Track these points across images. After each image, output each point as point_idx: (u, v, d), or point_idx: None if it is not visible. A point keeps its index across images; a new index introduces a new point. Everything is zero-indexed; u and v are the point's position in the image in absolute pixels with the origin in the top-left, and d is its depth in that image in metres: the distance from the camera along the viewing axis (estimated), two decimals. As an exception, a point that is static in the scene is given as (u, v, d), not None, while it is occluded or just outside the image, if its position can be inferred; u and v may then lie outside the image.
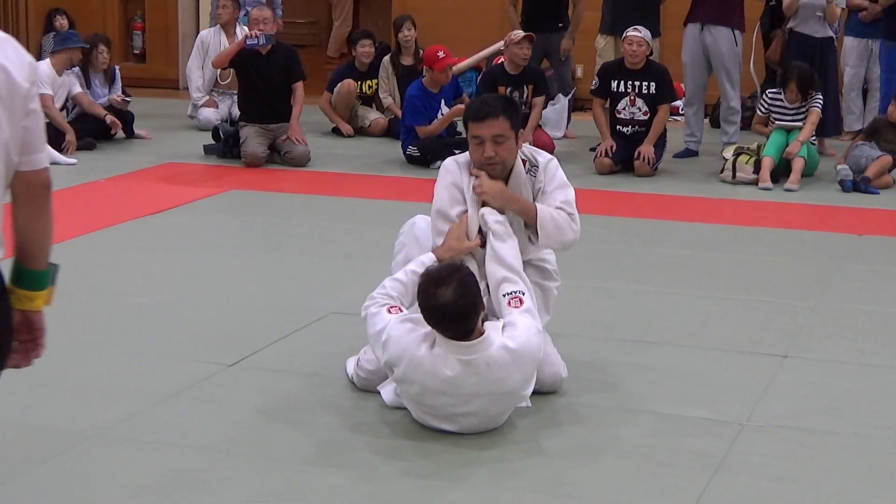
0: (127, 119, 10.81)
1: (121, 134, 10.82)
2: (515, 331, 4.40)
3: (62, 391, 4.86)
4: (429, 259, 4.75)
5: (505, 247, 4.70)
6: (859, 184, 9.15)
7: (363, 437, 4.45)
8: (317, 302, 6.07)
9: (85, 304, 6.04)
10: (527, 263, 4.91)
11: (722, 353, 5.46)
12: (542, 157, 5.00)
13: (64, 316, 5.82)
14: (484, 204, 4.81)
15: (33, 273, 2.91)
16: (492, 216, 4.77)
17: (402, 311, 4.56)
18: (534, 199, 4.90)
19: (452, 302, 4.23)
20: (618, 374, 5.14)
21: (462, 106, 10.10)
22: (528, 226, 4.88)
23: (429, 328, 4.37)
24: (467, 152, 4.92)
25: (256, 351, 5.34)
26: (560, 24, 11.13)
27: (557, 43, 11.12)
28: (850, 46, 10.92)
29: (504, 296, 4.60)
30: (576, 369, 5.03)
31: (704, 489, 4.05)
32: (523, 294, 4.59)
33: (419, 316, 4.39)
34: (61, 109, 10.46)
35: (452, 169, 4.93)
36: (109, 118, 10.34)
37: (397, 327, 4.43)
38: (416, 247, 4.96)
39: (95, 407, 4.68)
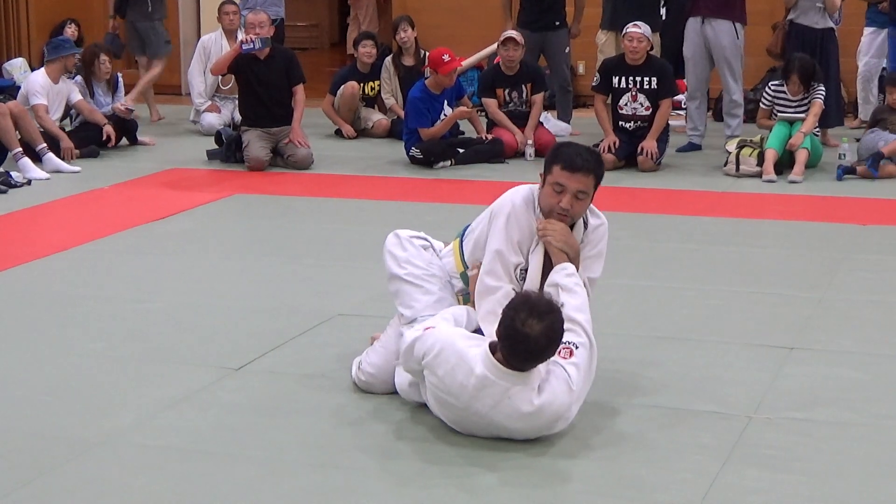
0: (130, 127, 10.82)
1: (124, 141, 10.83)
2: (548, 385, 4.32)
3: (69, 398, 4.86)
4: (461, 312, 4.66)
5: (571, 299, 4.54)
6: (855, 167, 9.18)
7: (371, 440, 4.45)
8: (322, 304, 6.08)
9: (91, 310, 6.06)
10: None
11: (728, 346, 5.46)
12: (596, 218, 4.84)
13: (71, 323, 5.86)
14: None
15: None
16: (563, 271, 4.62)
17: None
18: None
19: (536, 338, 4.17)
20: (624, 369, 5.14)
21: (465, 108, 10.11)
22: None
23: (481, 338, 4.35)
24: (530, 186, 4.79)
25: (263, 354, 5.34)
26: (557, 23, 11.12)
27: (555, 41, 11.10)
28: (869, 37, 10.87)
29: (562, 344, 4.44)
30: (582, 365, 5.03)
31: (713, 482, 4.05)
32: (576, 348, 4.45)
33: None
34: (63, 117, 10.49)
35: (520, 210, 4.71)
36: (106, 130, 10.29)
37: (446, 328, 4.43)
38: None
39: (103, 413, 4.69)
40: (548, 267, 4.67)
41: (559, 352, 4.39)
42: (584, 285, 4.65)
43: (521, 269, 4.69)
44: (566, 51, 11.26)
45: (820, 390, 4.92)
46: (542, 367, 4.32)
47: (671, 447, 4.35)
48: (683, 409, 4.70)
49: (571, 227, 4.71)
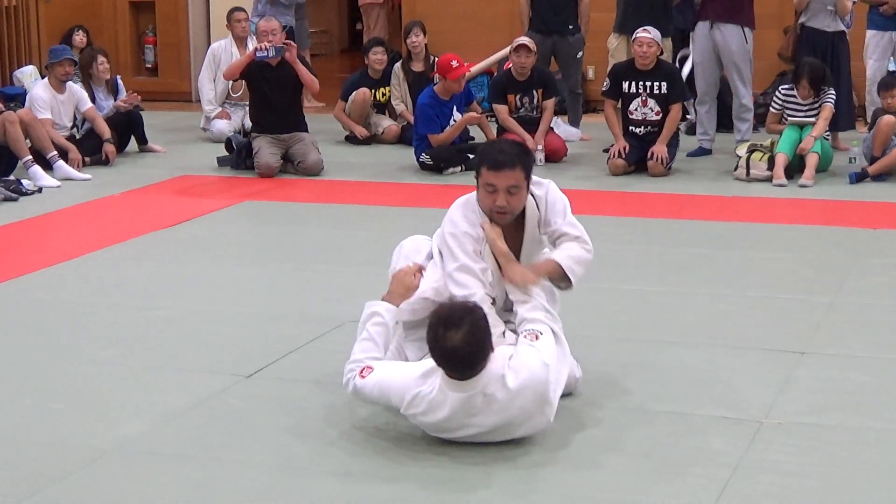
0: (136, 123, 10.81)
1: (133, 146, 10.85)
2: (519, 363, 4.35)
3: (81, 406, 4.87)
4: (384, 313, 4.69)
5: (525, 310, 4.67)
6: (866, 171, 9.20)
7: (382, 445, 4.45)
8: (333, 310, 6.08)
9: (102, 317, 6.06)
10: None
11: (739, 351, 5.46)
12: (539, 188, 4.89)
13: (82, 330, 5.87)
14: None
15: None
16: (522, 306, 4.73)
17: (373, 368, 4.52)
18: (538, 227, 4.88)
19: (460, 347, 4.18)
20: (635, 374, 5.13)
21: (475, 114, 10.11)
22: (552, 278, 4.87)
23: (428, 366, 4.36)
24: (467, 195, 4.92)
25: (274, 361, 5.35)
26: (570, 27, 11.12)
27: (567, 46, 11.10)
28: (873, 40, 10.86)
29: (524, 332, 4.57)
30: (592, 370, 5.03)
31: (724, 488, 4.05)
32: (541, 333, 4.52)
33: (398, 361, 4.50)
34: (72, 127, 10.49)
35: (463, 224, 4.83)
36: (105, 149, 10.26)
37: (389, 376, 4.45)
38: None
39: (115, 421, 4.69)
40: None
41: (523, 335, 4.51)
42: (577, 240, 4.85)
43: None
44: (578, 56, 11.25)
45: (831, 395, 4.91)
46: (504, 350, 4.38)
47: (682, 452, 4.35)
48: (695, 414, 4.70)
49: (523, 220, 4.83)
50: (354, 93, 11.36)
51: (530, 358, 4.40)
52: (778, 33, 11.76)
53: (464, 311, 4.27)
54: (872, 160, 9.35)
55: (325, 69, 14.81)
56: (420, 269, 4.84)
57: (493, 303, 4.81)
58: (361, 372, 4.52)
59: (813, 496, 4.00)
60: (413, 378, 4.37)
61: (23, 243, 7.82)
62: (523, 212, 4.84)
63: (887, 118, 9.38)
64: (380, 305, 4.73)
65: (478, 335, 4.22)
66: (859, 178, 9.23)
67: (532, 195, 4.86)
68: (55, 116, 10.20)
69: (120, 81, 11.07)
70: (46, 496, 4.07)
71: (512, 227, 4.85)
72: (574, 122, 11.49)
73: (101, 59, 10.81)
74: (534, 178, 4.84)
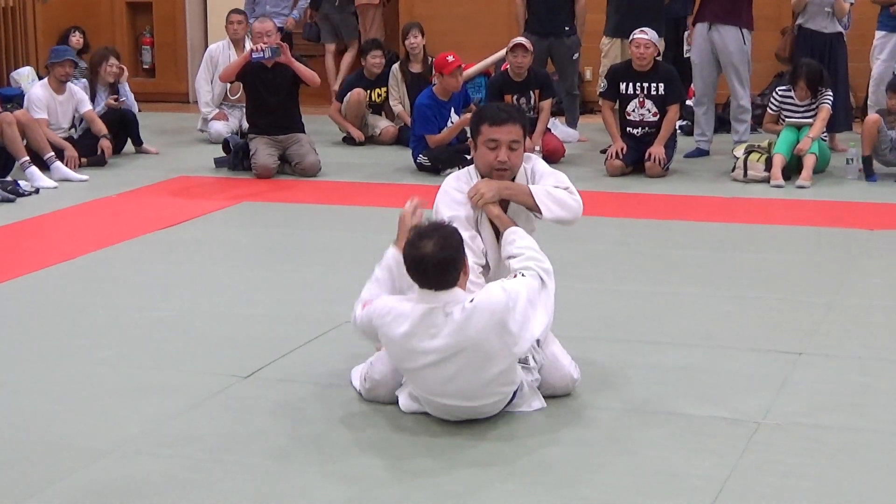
0: (130, 123, 10.80)
1: (129, 147, 10.85)
2: (480, 291, 4.52)
3: (79, 407, 4.87)
4: (390, 254, 4.83)
5: (516, 262, 4.73)
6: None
7: (380, 446, 4.45)
8: (331, 311, 6.07)
9: (100, 319, 6.06)
10: None
11: (737, 352, 5.46)
12: (527, 161, 5.06)
13: (80, 331, 5.87)
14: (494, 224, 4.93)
15: None
16: (510, 245, 4.81)
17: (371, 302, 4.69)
18: None
19: (433, 253, 4.38)
20: (633, 375, 5.13)
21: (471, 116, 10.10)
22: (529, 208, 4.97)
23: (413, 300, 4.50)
24: (457, 172, 5.03)
25: (272, 362, 5.34)
26: (567, 28, 11.11)
27: (563, 47, 11.10)
28: (881, 41, 10.86)
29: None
30: (590, 371, 5.03)
31: (721, 489, 4.05)
32: (523, 275, 4.60)
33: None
34: (70, 127, 10.49)
35: (453, 191, 4.98)
36: (101, 144, 10.27)
37: (382, 300, 4.62)
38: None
39: (114, 421, 4.69)
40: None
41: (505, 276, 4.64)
42: (557, 186, 4.92)
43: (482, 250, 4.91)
44: (574, 57, 11.25)
45: (829, 396, 4.91)
46: (468, 286, 4.54)
47: (680, 453, 4.35)
48: (692, 415, 4.70)
49: (512, 181, 4.94)
50: (349, 93, 11.37)
51: (491, 285, 4.55)
52: (776, 35, 11.77)
53: (435, 225, 4.54)
54: (864, 160, 9.36)
55: (322, 71, 14.79)
56: (419, 206, 4.91)
57: (486, 269, 4.93)
58: (363, 306, 4.66)
59: (810, 497, 4.00)
60: (394, 300, 4.57)
61: (20, 244, 7.82)
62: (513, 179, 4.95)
63: (872, 116, 9.40)
64: (388, 251, 4.86)
65: (449, 243, 4.42)
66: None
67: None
68: (53, 117, 10.20)
69: (125, 83, 11.06)
70: (45, 497, 4.06)
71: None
72: (571, 124, 11.50)
73: (112, 60, 10.83)
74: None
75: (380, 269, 4.84)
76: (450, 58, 9.90)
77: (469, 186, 4.96)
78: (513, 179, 4.97)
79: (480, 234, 4.94)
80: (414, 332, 4.44)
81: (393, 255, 4.80)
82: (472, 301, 4.42)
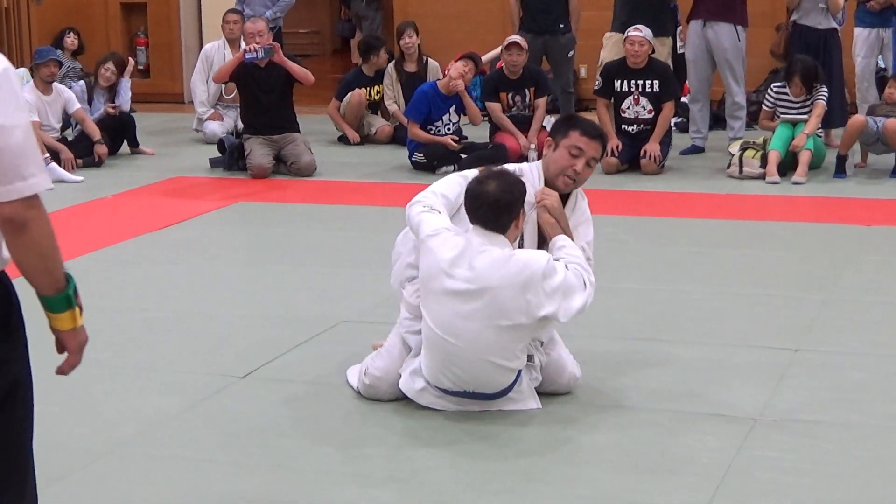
0: (127, 127, 10.81)
1: (125, 148, 10.85)
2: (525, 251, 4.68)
3: (76, 408, 4.86)
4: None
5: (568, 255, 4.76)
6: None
7: (376, 445, 4.45)
8: (327, 311, 6.08)
9: (96, 320, 6.01)
10: None
11: (734, 349, 5.46)
12: (578, 192, 5.06)
13: (75, 333, 5.85)
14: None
15: (41, 297, 2.89)
16: (559, 250, 4.78)
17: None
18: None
19: (493, 192, 4.52)
20: (630, 373, 5.13)
21: (452, 143, 9.97)
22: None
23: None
24: (532, 164, 5.04)
25: (268, 362, 5.34)
26: (561, 26, 11.10)
27: (558, 45, 11.08)
28: (861, 36, 10.87)
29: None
30: (588, 369, 5.03)
31: (719, 485, 4.05)
32: (566, 267, 4.64)
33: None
34: (64, 128, 10.48)
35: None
36: (96, 150, 10.26)
37: (436, 220, 4.69)
38: (412, 252, 4.96)
39: (109, 423, 4.69)
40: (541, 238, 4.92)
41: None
42: (584, 250, 4.87)
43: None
44: (569, 55, 11.23)
45: (826, 392, 4.91)
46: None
47: (677, 450, 4.35)
48: (689, 412, 4.70)
49: (568, 196, 4.96)
50: (350, 94, 11.37)
51: (539, 251, 4.69)
52: (770, 31, 11.77)
53: (502, 170, 4.69)
54: (839, 158, 9.37)
55: (316, 70, 14.77)
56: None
57: None
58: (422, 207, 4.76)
59: (807, 493, 4.00)
60: (447, 228, 4.66)
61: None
62: (565, 199, 4.95)
63: (857, 118, 9.39)
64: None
65: (511, 188, 4.55)
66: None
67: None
68: (42, 118, 10.18)
69: (125, 87, 11.04)
70: (42, 498, 4.05)
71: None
72: (567, 122, 11.47)
73: (108, 64, 10.83)
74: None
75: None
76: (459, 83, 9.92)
77: (530, 177, 4.90)
78: (568, 196, 4.95)
79: (523, 233, 4.87)
80: (456, 260, 4.52)
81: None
82: (508, 251, 4.55)
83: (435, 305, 4.58)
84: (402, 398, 4.77)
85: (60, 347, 3.05)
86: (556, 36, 11.00)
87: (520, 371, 4.66)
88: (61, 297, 2.92)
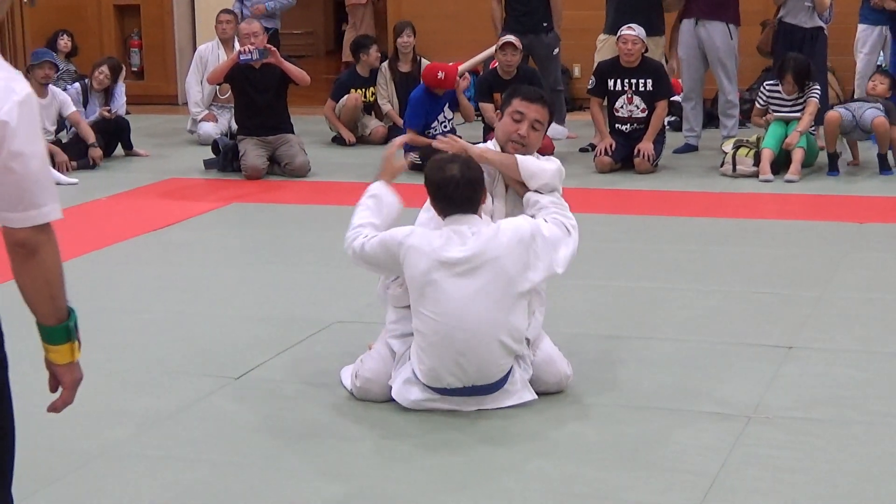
0: (122, 130, 10.81)
1: (119, 151, 10.85)
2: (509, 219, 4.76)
3: (69, 410, 4.84)
4: (376, 188, 5.04)
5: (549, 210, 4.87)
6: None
7: (370, 445, 4.46)
8: (321, 312, 6.08)
9: (90, 321, 6.02)
10: None
11: (727, 347, 5.47)
12: (550, 161, 5.06)
13: (70, 335, 5.86)
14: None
15: (41, 327, 2.90)
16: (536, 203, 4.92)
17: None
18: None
19: (460, 174, 4.60)
20: (623, 371, 5.14)
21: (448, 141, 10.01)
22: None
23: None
24: (487, 143, 5.13)
25: (262, 363, 5.35)
26: (545, 24, 11.10)
27: (542, 44, 11.07)
28: (864, 34, 10.88)
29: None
30: (581, 367, 5.04)
31: (713, 482, 4.06)
32: (544, 220, 4.76)
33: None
34: (59, 130, 10.49)
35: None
36: (91, 153, 10.26)
37: (398, 228, 4.77)
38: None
39: (103, 424, 4.69)
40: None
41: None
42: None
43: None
44: (555, 53, 11.23)
45: (819, 389, 4.93)
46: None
47: (671, 447, 4.36)
48: (682, 410, 4.71)
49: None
50: (346, 97, 11.38)
51: (515, 217, 4.78)
52: (762, 29, 11.78)
53: (454, 155, 4.79)
54: (829, 156, 9.40)
55: (311, 70, 14.77)
56: (401, 144, 5.20)
57: None
58: (364, 237, 4.79)
59: (801, 490, 4.01)
60: (417, 227, 4.75)
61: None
62: None
63: (832, 114, 9.41)
64: (373, 184, 5.09)
65: (471, 166, 4.66)
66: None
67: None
68: (37, 120, 10.17)
69: (120, 91, 11.04)
70: (37, 500, 4.06)
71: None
72: (559, 120, 11.48)
73: (102, 67, 10.84)
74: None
75: (366, 198, 5.01)
76: (440, 74, 9.88)
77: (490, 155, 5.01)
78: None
79: (493, 198, 4.99)
80: (445, 245, 4.57)
81: (378, 186, 5.03)
82: (492, 222, 4.67)
83: (439, 296, 4.57)
84: (392, 399, 4.78)
85: (54, 384, 3.05)
86: (539, 35, 11.00)
87: (513, 367, 4.67)
88: (61, 328, 2.92)
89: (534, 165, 4.92)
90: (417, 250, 4.62)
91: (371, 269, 4.89)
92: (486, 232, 4.62)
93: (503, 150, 5.00)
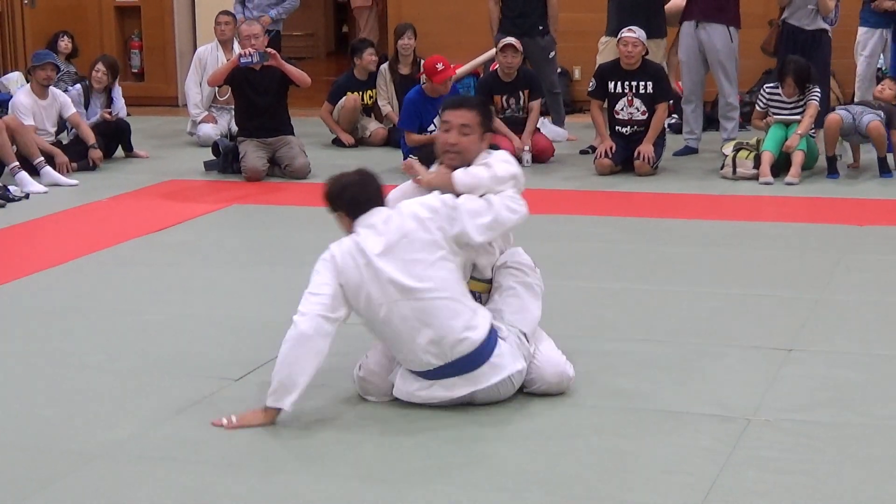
0: (123, 132, 10.82)
1: (119, 152, 10.86)
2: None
3: (70, 410, 4.87)
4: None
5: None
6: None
7: (372, 446, 4.46)
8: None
9: (90, 322, 6.06)
10: (502, 267, 4.99)
11: (727, 349, 5.47)
12: (487, 157, 5.03)
13: (70, 335, 5.87)
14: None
15: None
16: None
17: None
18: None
19: (356, 175, 4.87)
20: (623, 373, 5.14)
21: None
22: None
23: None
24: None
25: (263, 364, 5.35)
26: (540, 28, 11.10)
27: (538, 47, 11.06)
28: (864, 37, 10.88)
29: None
30: (580, 369, 5.04)
31: (713, 485, 4.06)
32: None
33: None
34: (59, 132, 10.49)
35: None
36: (91, 155, 10.27)
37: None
38: None
39: (104, 425, 4.69)
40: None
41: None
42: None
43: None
44: (550, 56, 11.23)
45: (819, 391, 4.93)
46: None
47: (671, 450, 4.36)
48: (682, 412, 4.71)
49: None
50: (343, 99, 11.38)
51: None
52: (763, 32, 11.75)
53: (344, 171, 4.96)
54: (828, 159, 9.40)
55: (311, 72, 14.75)
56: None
57: None
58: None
59: (801, 493, 4.02)
60: (328, 274, 4.79)
61: (11, 249, 7.81)
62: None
63: (833, 118, 9.41)
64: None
65: (367, 174, 4.90)
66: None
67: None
68: (38, 122, 10.18)
69: (118, 92, 11.04)
70: (35, 501, 4.07)
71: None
72: (558, 122, 11.50)
73: (98, 66, 10.84)
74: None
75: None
76: (439, 65, 9.87)
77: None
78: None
79: None
80: (364, 241, 4.70)
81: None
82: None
83: (371, 287, 4.66)
84: (394, 398, 4.80)
85: None
86: (534, 38, 10.98)
87: (493, 331, 4.70)
88: None
89: (468, 179, 4.85)
90: (358, 275, 4.68)
91: (355, 309, 4.81)
92: (394, 214, 4.74)
93: (442, 163, 5.00)
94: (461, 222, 4.73)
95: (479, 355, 4.67)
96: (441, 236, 4.71)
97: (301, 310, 4.69)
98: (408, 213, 4.74)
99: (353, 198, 4.81)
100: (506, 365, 4.71)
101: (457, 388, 4.69)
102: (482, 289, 4.97)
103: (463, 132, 4.93)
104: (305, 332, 4.62)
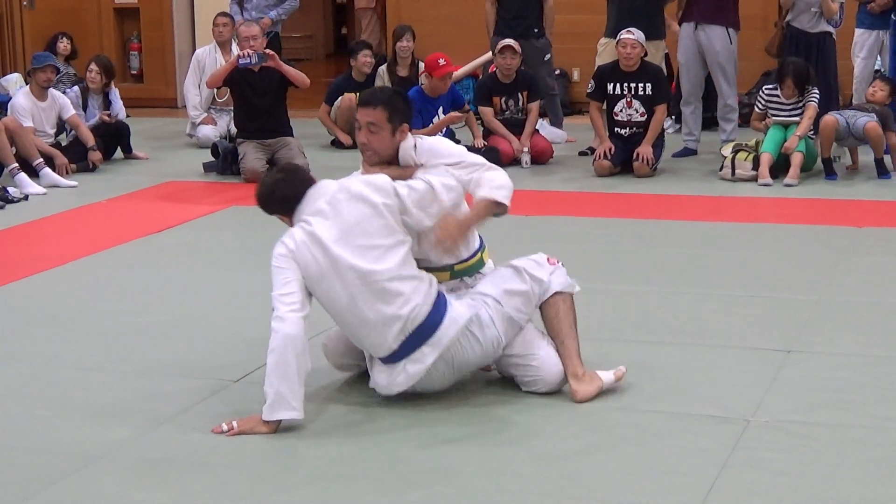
0: (122, 134, 10.82)
1: (119, 154, 10.86)
2: None
3: (69, 412, 4.87)
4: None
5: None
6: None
7: (371, 448, 4.46)
8: (320, 315, 6.06)
9: (89, 324, 6.06)
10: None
11: (726, 350, 5.47)
12: (412, 142, 5.07)
13: (69, 337, 5.87)
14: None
15: None
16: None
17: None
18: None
19: (274, 174, 4.97)
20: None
21: (457, 113, 10.11)
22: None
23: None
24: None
25: (262, 365, 5.30)
26: (535, 30, 11.11)
27: (533, 49, 11.06)
28: (861, 38, 10.89)
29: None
30: (581, 371, 5.04)
31: (712, 486, 4.06)
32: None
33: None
34: (59, 133, 10.50)
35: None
36: (91, 157, 10.27)
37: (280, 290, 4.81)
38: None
39: (103, 427, 4.69)
40: None
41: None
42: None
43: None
44: (546, 58, 11.24)
45: (818, 393, 4.93)
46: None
47: (670, 451, 4.36)
48: (682, 413, 4.71)
49: (389, 163, 5.01)
50: (340, 99, 11.38)
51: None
52: (762, 34, 11.80)
53: (285, 165, 5.07)
54: (824, 161, 9.41)
55: (310, 74, 14.75)
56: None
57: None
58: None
59: (800, 494, 4.02)
60: (289, 272, 4.86)
61: (10, 250, 7.81)
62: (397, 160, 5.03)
63: (828, 119, 9.40)
64: None
65: (289, 170, 5.00)
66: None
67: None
68: (37, 123, 10.18)
69: (116, 93, 11.04)
70: (35, 502, 4.07)
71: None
72: (556, 124, 11.50)
73: (91, 66, 10.84)
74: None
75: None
76: (441, 61, 9.89)
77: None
78: (389, 164, 5.01)
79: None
80: (318, 234, 4.72)
81: None
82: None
83: (345, 287, 4.71)
84: (384, 395, 4.82)
85: None
86: (530, 40, 10.99)
87: (440, 294, 4.75)
88: None
89: (505, 192, 4.94)
90: (301, 251, 4.77)
91: (316, 299, 4.84)
92: (340, 196, 4.74)
93: (364, 161, 5.08)
94: (415, 210, 4.77)
95: (435, 316, 4.71)
96: (394, 220, 4.73)
97: (278, 315, 4.66)
98: (356, 194, 4.74)
99: (284, 196, 4.84)
100: (461, 314, 4.74)
101: (427, 356, 4.70)
102: (446, 278, 4.96)
103: (371, 130, 4.96)
104: (290, 337, 4.61)
